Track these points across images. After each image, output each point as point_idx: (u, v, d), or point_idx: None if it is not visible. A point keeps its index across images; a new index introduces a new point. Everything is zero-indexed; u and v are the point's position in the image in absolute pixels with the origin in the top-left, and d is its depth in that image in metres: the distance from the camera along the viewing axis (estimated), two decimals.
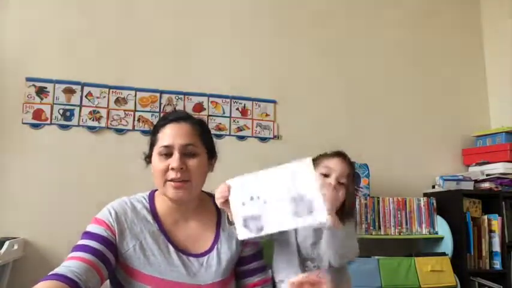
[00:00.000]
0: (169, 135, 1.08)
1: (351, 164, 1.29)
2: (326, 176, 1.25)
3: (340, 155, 1.30)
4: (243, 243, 1.17)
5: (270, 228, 0.93)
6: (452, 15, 3.03)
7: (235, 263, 1.17)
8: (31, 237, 2.07)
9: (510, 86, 2.84)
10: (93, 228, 1.04)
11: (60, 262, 0.96)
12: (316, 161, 1.28)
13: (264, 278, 1.19)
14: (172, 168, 1.05)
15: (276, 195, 0.93)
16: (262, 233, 0.94)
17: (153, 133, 1.13)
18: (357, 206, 2.26)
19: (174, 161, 1.05)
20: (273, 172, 0.96)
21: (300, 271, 1.22)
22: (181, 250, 1.09)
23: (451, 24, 3.02)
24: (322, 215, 0.87)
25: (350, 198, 1.27)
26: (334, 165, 1.25)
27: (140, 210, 1.11)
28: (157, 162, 1.08)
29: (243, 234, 0.96)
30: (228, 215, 1.06)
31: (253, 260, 1.19)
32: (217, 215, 1.19)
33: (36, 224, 2.07)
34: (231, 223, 1.06)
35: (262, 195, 0.95)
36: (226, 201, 0.99)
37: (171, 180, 1.06)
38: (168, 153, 1.07)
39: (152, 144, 1.12)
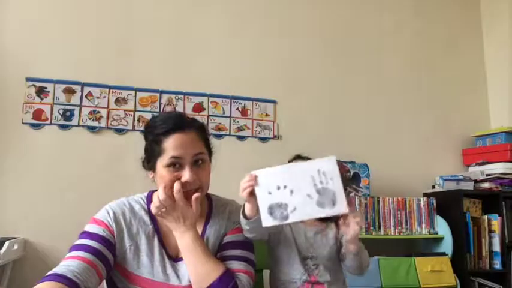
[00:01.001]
0: (178, 146, 1.04)
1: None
2: None
3: (302, 159, 1.34)
4: (226, 233, 1.14)
5: (295, 217, 1.00)
6: (452, 15, 3.03)
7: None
8: (31, 237, 2.07)
9: (510, 86, 2.84)
10: (91, 228, 1.04)
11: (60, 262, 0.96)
12: None
13: (244, 269, 1.08)
14: (186, 181, 1.03)
15: (302, 187, 1.01)
16: (288, 221, 1.00)
17: (155, 142, 1.07)
18: (357, 206, 2.27)
19: (187, 174, 1.03)
20: (298, 166, 1.05)
21: (302, 269, 1.24)
22: (173, 253, 1.09)
23: (451, 24, 3.02)
24: (343, 207, 0.99)
25: None
26: None
27: (138, 210, 1.11)
28: (166, 173, 1.04)
29: (267, 221, 1.00)
30: (244, 208, 1.08)
31: (232, 248, 1.12)
32: (207, 214, 1.17)
33: (36, 224, 2.07)
34: (246, 217, 1.08)
35: (289, 186, 1.01)
36: (251, 193, 1.02)
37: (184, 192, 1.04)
38: (176, 164, 1.04)
39: (156, 155, 1.06)
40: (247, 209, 1.07)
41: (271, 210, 1.01)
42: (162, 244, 1.09)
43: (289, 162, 1.35)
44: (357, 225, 1.12)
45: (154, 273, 1.04)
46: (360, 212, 1.14)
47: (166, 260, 1.07)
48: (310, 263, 1.26)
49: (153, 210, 1.04)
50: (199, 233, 1.12)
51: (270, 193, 1.02)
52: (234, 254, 1.10)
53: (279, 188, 1.02)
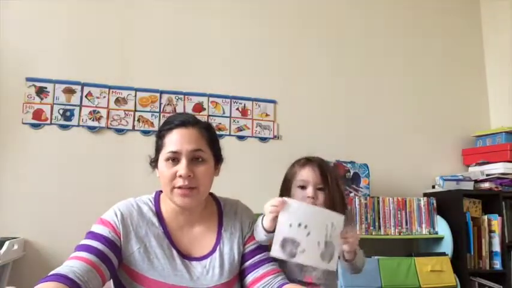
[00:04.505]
0: (177, 140, 1.05)
1: (322, 169, 1.30)
2: (303, 187, 1.28)
3: (310, 163, 1.32)
4: (245, 241, 1.16)
5: (300, 259, 1.07)
6: (452, 15, 3.03)
7: (239, 263, 1.14)
8: (31, 237, 2.07)
9: (510, 86, 2.84)
10: (98, 228, 1.03)
11: (60, 262, 0.96)
12: (292, 170, 1.34)
13: (274, 269, 1.14)
14: (180, 176, 1.03)
15: (318, 233, 1.08)
16: (292, 260, 1.07)
17: (159, 137, 1.10)
18: (357, 206, 2.27)
19: (182, 168, 1.03)
20: (322, 212, 1.12)
21: (299, 271, 1.25)
22: (184, 254, 1.08)
23: (451, 23, 3.02)
24: (334, 265, 1.09)
25: (335, 195, 1.30)
26: (307, 176, 1.29)
27: (146, 212, 1.10)
28: (165, 168, 1.05)
29: (276, 252, 1.06)
30: (263, 221, 1.14)
31: (257, 253, 1.15)
32: (219, 216, 1.18)
33: (36, 224, 2.07)
34: (266, 230, 1.14)
35: (309, 227, 1.08)
36: (275, 216, 1.08)
37: (179, 187, 1.04)
38: (175, 159, 1.05)
39: (158, 149, 1.10)
40: (269, 225, 1.12)
41: (283, 243, 1.06)
42: (173, 245, 1.08)
43: (301, 164, 1.34)
44: (353, 242, 1.16)
45: (166, 275, 1.04)
46: (355, 230, 1.18)
47: (179, 261, 1.06)
48: (310, 268, 1.26)
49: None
50: (214, 237, 1.13)
51: (290, 225, 1.07)
52: (260, 259, 1.15)
53: (300, 225, 1.08)
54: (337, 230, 1.09)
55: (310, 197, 1.26)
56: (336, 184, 1.32)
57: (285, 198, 1.10)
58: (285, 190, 1.35)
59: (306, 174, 1.29)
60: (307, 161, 1.33)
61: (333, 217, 1.10)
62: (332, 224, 1.09)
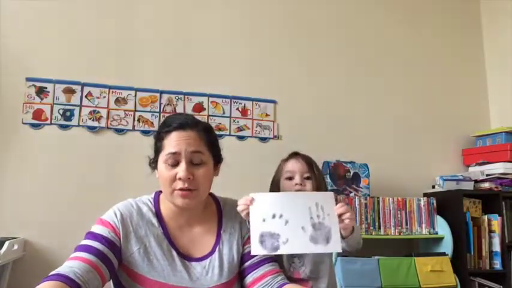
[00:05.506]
0: (176, 142, 1.06)
1: (306, 159, 1.40)
2: (291, 178, 1.36)
3: (293, 155, 1.42)
4: (244, 242, 1.16)
5: (285, 249, 1.01)
6: (452, 15, 3.03)
7: (238, 263, 1.14)
8: (31, 237, 2.07)
9: (510, 86, 2.84)
10: (97, 229, 1.03)
11: (60, 262, 0.96)
12: (279, 168, 1.43)
13: (274, 269, 1.13)
14: (180, 178, 1.03)
15: (298, 218, 1.03)
16: (277, 253, 1.01)
17: (158, 139, 1.11)
18: (357, 206, 2.27)
19: (182, 171, 1.03)
20: (297, 197, 1.09)
21: (288, 266, 1.30)
22: (184, 255, 1.09)
23: (451, 23, 3.02)
24: (337, 245, 1.01)
25: (321, 184, 1.38)
26: (292, 167, 1.38)
27: (146, 212, 1.10)
28: (164, 170, 1.06)
29: (256, 250, 1.02)
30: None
31: None
32: (218, 217, 1.18)
33: (36, 224, 2.07)
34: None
35: (285, 215, 1.03)
36: (248, 213, 1.07)
37: (179, 189, 1.04)
38: (174, 161, 1.05)
39: (157, 151, 1.10)
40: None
41: (262, 238, 1.03)
42: (173, 245, 1.08)
43: (286, 159, 1.43)
44: (349, 220, 1.11)
45: (165, 275, 1.04)
46: (347, 207, 1.12)
47: (178, 262, 1.06)
48: (297, 261, 1.30)
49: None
50: (214, 237, 1.14)
51: (264, 220, 1.04)
52: (259, 260, 1.14)
53: (274, 216, 1.04)
54: (326, 209, 1.04)
55: (298, 184, 1.32)
56: (320, 174, 1.41)
57: (252, 194, 1.08)
58: (274, 187, 1.41)
59: (292, 165, 1.38)
60: (292, 154, 1.43)
61: (316, 197, 1.07)
62: (317, 204, 1.04)
